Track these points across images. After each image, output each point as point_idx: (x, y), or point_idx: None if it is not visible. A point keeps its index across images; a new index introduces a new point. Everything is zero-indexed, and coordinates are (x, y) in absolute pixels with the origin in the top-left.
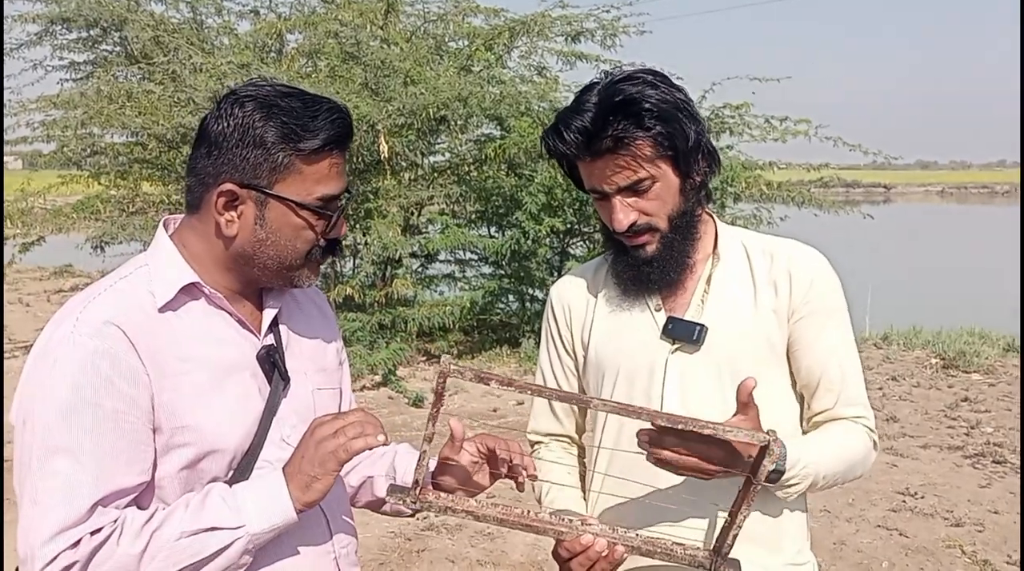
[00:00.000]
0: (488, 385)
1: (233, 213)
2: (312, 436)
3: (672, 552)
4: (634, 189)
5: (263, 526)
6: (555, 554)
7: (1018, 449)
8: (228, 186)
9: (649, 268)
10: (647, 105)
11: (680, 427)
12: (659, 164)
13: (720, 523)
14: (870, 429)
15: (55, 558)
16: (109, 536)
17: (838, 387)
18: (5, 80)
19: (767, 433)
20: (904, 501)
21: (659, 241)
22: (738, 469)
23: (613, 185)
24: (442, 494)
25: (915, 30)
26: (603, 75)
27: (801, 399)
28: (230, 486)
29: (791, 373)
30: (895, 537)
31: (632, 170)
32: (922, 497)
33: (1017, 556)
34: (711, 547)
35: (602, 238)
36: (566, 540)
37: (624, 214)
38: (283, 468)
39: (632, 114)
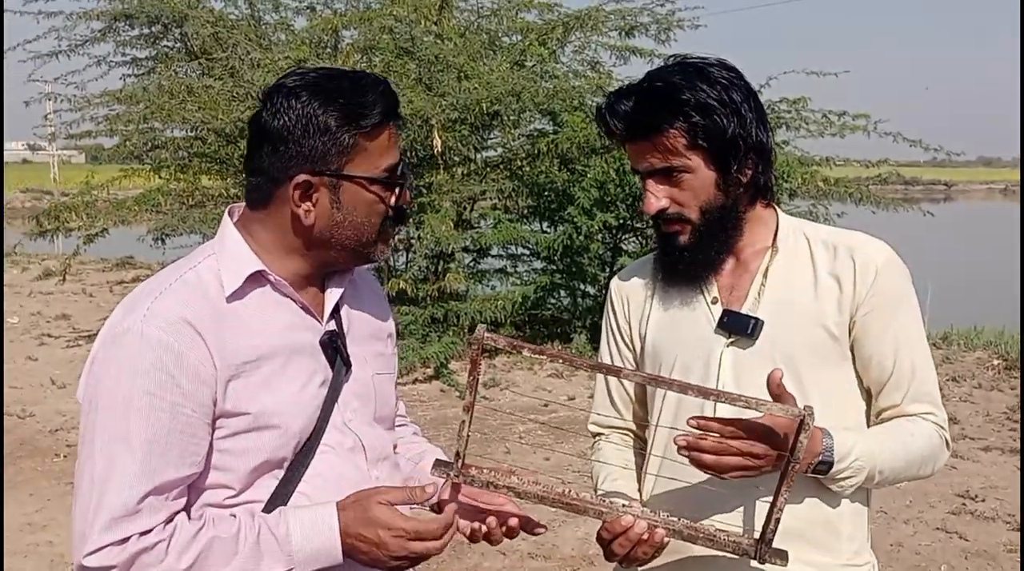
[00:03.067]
0: (520, 353)
1: (309, 203)
2: (381, 519)
3: (715, 538)
4: (666, 175)
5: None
6: (598, 536)
7: None
8: (303, 177)
9: (679, 259)
10: (684, 96)
11: (712, 399)
12: (691, 156)
13: (760, 504)
14: (940, 426)
15: (102, 548)
16: (157, 544)
17: (907, 383)
18: (70, 75)
19: (803, 409)
20: (964, 504)
21: (691, 233)
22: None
23: (645, 168)
24: (485, 468)
25: (976, 22)
26: (668, 60)
27: (867, 396)
28: (290, 471)
29: (855, 368)
30: (954, 540)
31: (663, 157)
32: (983, 500)
33: None
34: (757, 535)
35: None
36: (607, 521)
37: (655, 198)
38: (339, 515)
39: (667, 103)
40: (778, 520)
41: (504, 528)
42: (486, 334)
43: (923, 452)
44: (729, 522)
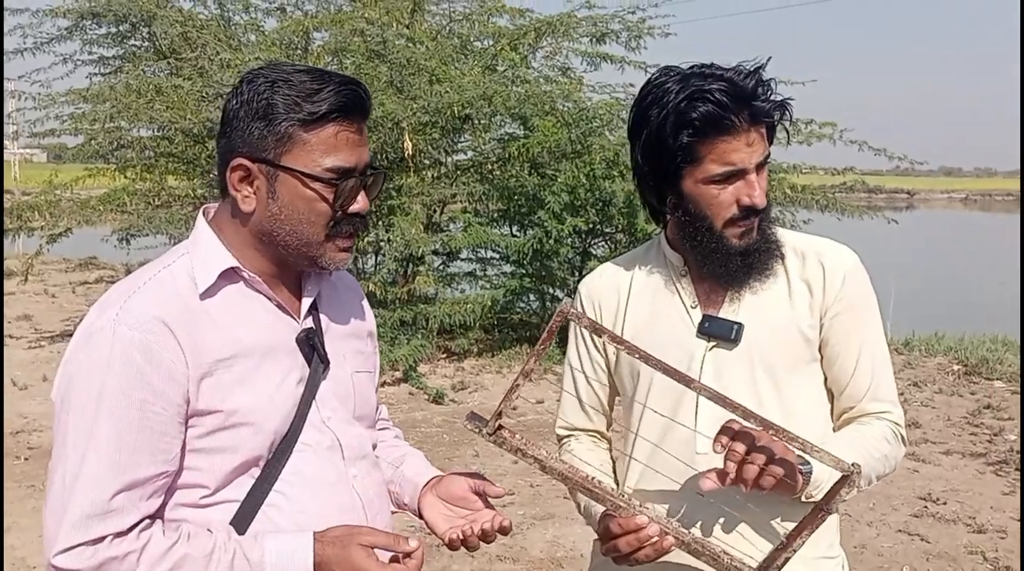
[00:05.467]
0: (600, 337)
1: (249, 189)
2: (357, 561)
3: (719, 559)
4: (760, 167)
5: None
6: (606, 528)
7: None
8: (239, 160)
9: (742, 258)
10: (771, 95)
11: (771, 433)
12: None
13: (767, 534)
14: (896, 424)
15: (72, 548)
16: (128, 554)
17: (867, 382)
18: (35, 73)
19: (852, 465)
20: (926, 507)
21: (757, 229)
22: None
23: (755, 160)
24: (517, 434)
25: (940, 35)
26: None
27: (830, 394)
28: (267, 470)
29: (822, 368)
30: (916, 542)
31: (763, 146)
32: (944, 503)
33: None
34: (759, 564)
35: (681, 232)
36: (620, 516)
37: (761, 191)
38: (315, 547)
39: (770, 93)
40: (788, 559)
41: (480, 532)
42: (572, 310)
43: (884, 452)
44: (719, 535)
